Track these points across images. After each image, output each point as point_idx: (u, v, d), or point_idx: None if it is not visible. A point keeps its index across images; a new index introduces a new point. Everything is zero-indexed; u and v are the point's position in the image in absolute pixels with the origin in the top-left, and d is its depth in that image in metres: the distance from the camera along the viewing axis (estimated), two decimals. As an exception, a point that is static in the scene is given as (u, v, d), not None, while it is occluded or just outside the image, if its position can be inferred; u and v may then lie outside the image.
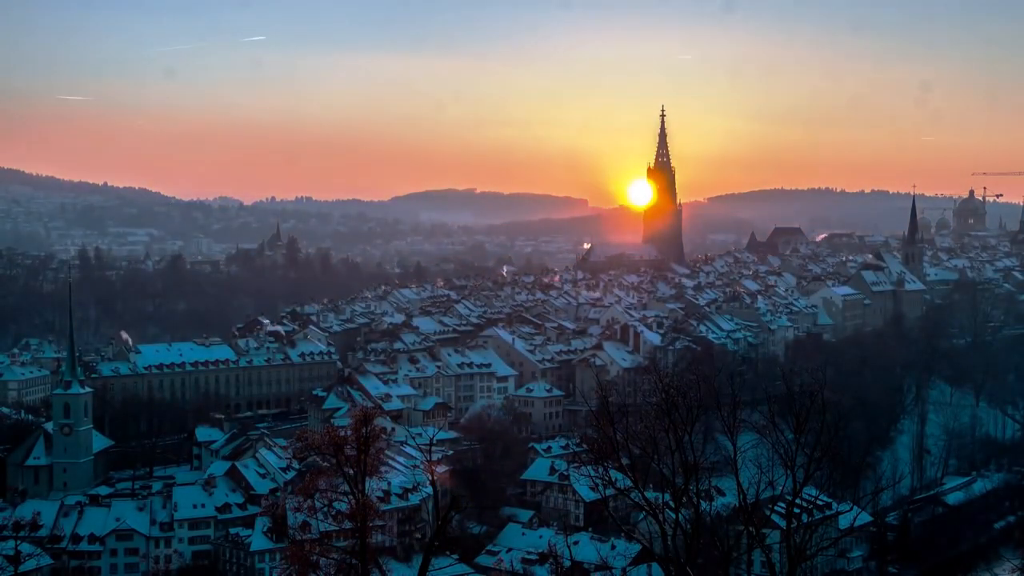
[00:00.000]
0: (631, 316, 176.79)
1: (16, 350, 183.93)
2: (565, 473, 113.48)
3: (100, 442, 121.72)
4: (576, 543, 78.58)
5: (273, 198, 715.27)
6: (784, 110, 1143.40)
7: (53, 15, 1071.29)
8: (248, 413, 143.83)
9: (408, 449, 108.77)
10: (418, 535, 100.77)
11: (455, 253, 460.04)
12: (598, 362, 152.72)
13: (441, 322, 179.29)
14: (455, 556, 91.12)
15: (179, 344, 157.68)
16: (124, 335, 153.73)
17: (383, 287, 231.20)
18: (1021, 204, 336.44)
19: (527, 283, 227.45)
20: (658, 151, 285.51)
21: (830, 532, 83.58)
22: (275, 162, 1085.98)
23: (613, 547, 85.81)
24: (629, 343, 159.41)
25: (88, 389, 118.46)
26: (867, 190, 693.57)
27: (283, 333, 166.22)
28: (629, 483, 36.54)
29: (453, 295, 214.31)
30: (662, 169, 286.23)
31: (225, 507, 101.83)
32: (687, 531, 35.30)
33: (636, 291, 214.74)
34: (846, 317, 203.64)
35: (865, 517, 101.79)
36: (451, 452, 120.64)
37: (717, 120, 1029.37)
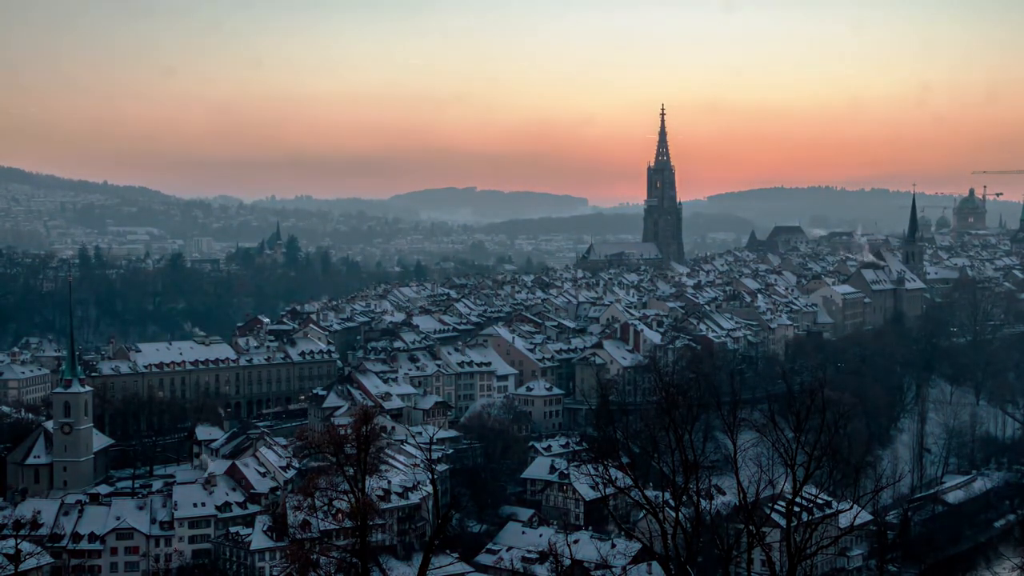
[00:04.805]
0: (631, 315, 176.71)
1: (16, 349, 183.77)
2: (565, 472, 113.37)
3: (100, 441, 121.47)
4: (576, 542, 78.62)
5: (273, 197, 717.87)
6: (784, 108, 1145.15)
7: (53, 14, 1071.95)
8: (248, 412, 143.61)
9: (408, 448, 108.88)
10: (418, 533, 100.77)
11: (455, 252, 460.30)
12: (598, 361, 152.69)
13: (441, 321, 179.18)
14: (455, 555, 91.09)
15: (179, 343, 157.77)
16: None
17: (383, 286, 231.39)
18: (1021, 202, 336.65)
19: (527, 282, 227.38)
20: (658, 150, 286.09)
21: (830, 531, 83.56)
22: (275, 161, 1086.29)
23: (613, 546, 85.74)
24: (629, 342, 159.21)
25: (88, 388, 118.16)
26: (867, 189, 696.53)
27: (283, 332, 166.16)
28: (629, 482, 36.60)
29: (453, 294, 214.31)
30: (662, 168, 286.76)
31: (225, 506, 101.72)
32: (687, 530, 35.33)
33: (636, 290, 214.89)
34: (846, 316, 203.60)
35: (865, 516, 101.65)
36: (451, 451, 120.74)
37: (717, 118, 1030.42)
